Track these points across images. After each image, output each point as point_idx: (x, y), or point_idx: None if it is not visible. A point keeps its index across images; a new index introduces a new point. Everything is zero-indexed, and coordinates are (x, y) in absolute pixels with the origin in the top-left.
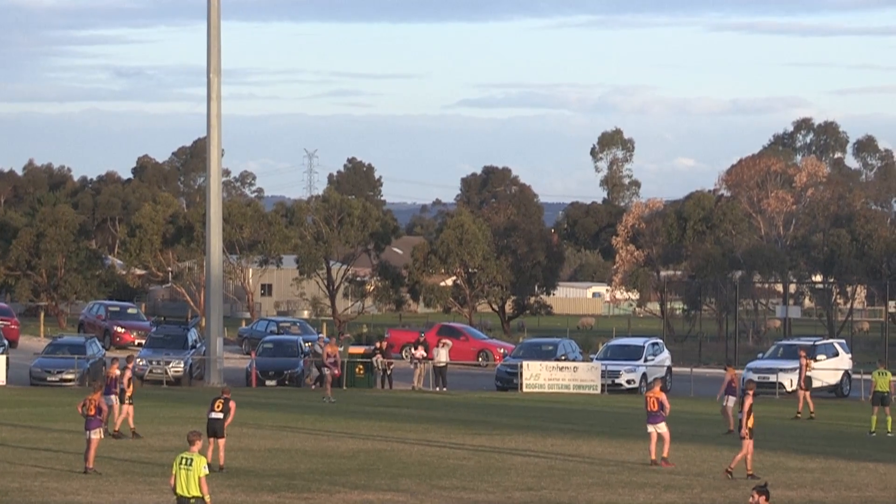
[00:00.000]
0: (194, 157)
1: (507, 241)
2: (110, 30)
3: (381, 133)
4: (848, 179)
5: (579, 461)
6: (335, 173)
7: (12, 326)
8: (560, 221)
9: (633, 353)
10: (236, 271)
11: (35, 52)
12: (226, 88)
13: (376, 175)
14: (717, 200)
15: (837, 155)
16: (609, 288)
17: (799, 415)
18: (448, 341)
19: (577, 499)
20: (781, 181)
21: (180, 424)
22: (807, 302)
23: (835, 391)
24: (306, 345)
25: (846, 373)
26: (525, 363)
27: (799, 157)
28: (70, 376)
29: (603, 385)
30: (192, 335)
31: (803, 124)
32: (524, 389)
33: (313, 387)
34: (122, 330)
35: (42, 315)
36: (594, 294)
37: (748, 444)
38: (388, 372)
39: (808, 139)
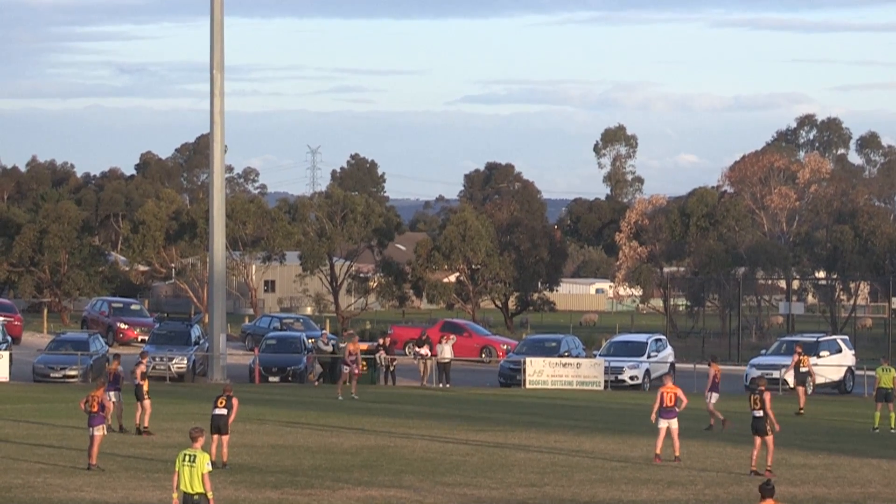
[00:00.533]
0: (197, 153)
1: (510, 238)
2: (113, 26)
3: (384, 129)
4: (851, 176)
5: (582, 457)
6: (338, 169)
7: (15, 323)
8: (563, 218)
9: (636, 350)
10: (239, 268)
11: (38, 49)
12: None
13: (379, 171)
14: (721, 197)
15: (840, 151)
16: (612, 284)
17: (801, 411)
18: (452, 337)
19: (580, 495)
20: (784, 177)
21: (183, 421)
22: (810, 298)
23: (838, 387)
24: (309, 341)
25: (849, 369)
26: (528, 359)
27: (802, 154)
28: (73, 373)
29: (606, 381)
30: (196, 331)
31: (806, 121)
32: (527, 386)
33: (316, 383)
34: (126, 326)
35: (45, 311)
36: (597, 290)
37: (771, 441)
38: (392, 368)
39: (811, 135)
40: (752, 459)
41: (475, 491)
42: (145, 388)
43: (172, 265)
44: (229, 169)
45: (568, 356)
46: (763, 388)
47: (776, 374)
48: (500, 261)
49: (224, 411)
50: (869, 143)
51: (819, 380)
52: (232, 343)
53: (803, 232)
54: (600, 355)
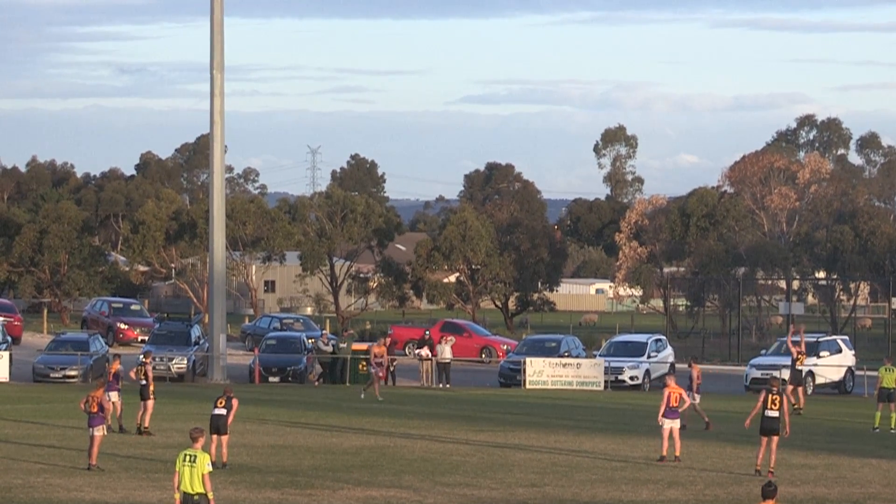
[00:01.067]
0: (197, 153)
1: (510, 238)
2: (113, 26)
3: (384, 129)
4: (851, 176)
5: (583, 457)
6: (338, 170)
7: (15, 323)
8: (563, 218)
9: (636, 350)
10: (239, 268)
11: (38, 49)
12: (229, 85)
13: (379, 171)
14: (721, 197)
15: (840, 151)
16: (612, 284)
17: (801, 410)
18: (451, 338)
19: (580, 495)
20: (784, 178)
21: (183, 421)
22: (810, 298)
23: (838, 388)
24: (309, 341)
25: (849, 369)
26: (528, 360)
27: (802, 154)
28: (73, 373)
29: (606, 382)
30: (195, 331)
31: (806, 121)
32: (527, 386)
33: (316, 383)
34: (126, 326)
35: (45, 312)
36: (597, 291)
37: (776, 442)
38: (392, 368)
39: (811, 136)
40: (758, 459)
41: (475, 491)
42: (151, 388)
43: (172, 265)
44: (229, 169)
45: (568, 356)
46: (777, 388)
47: (775, 375)
48: (500, 261)
49: (223, 411)
50: (869, 143)
51: (819, 380)
52: (232, 343)
53: (803, 232)
54: (600, 355)
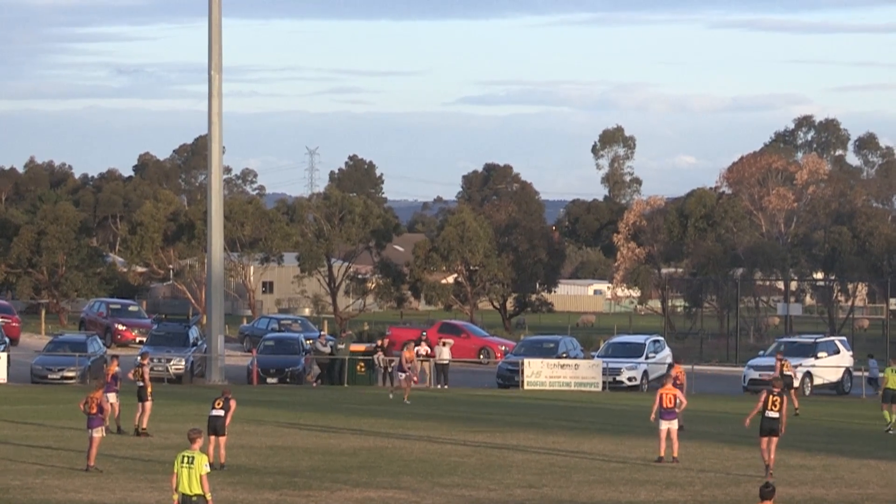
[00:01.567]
0: (195, 154)
1: (508, 239)
2: (111, 27)
3: (382, 130)
4: (849, 177)
5: (581, 458)
6: (336, 171)
7: (13, 324)
8: (561, 219)
9: (634, 351)
10: (237, 269)
11: (36, 50)
12: (227, 86)
13: (377, 172)
14: (719, 198)
15: (838, 152)
16: (610, 285)
17: (797, 412)
18: (449, 339)
19: (578, 496)
20: (783, 178)
21: (181, 422)
22: (808, 299)
23: (836, 388)
24: (307, 342)
25: (847, 370)
26: (526, 361)
27: (800, 155)
28: (71, 374)
29: (604, 382)
30: (193, 332)
31: (804, 122)
32: (525, 387)
33: (314, 384)
34: (123, 327)
35: (43, 313)
36: (595, 292)
37: (776, 442)
38: (390, 369)
39: (809, 136)
40: (765, 459)
41: (473, 492)
42: (149, 389)
43: (170, 266)
44: (227, 170)
45: (566, 357)
46: (779, 388)
47: (777, 375)
48: (499, 262)
49: (221, 412)
50: (867, 144)
51: (817, 381)
52: (230, 344)
53: (801, 233)
54: (598, 356)
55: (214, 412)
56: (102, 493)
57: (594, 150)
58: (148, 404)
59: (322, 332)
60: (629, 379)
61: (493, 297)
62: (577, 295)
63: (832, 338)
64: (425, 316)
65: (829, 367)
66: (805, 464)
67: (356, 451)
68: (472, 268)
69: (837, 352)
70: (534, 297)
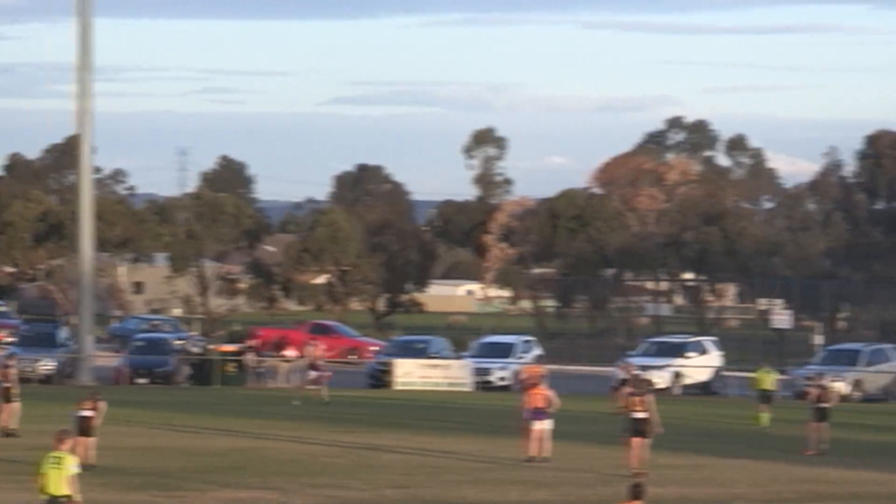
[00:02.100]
0: (66, 154)
1: (379, 239)
2: None
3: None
4: (719, 177)
5: (451, 458)
6: (208, 171)
7: None
8: (432, 219)
9: (504, 351)
10: (108, 269)
11: None
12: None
13: (249, 173)
14: (589, 198)
15: (709, 153)
16: (482, 286)
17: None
18: (317, 342)
19: (448, 496)
20: (653, 179)
21: (51, 423)
22: (678, 299)
23: (704, 389)
24: (177, 343)
25: (716, 370)
26: (398, 361)
27: (670, 155)
28: None
29: (475, 383)
30: (62, 333)
31: (675, 122)
32: (396, 387)
33: (184, 385)
34: None
35: None
36: (467, 292)
37: (647, 443)
38: (260, 370)
39: (679, 137)
40: (634, 460)
41: (344, 493)
42: (13, 390)
43: (40, 266)
44: (98, 170)
45: (437, 357)
46: (643, 389)
47: (644, 375)
48: (370, 262)
49: (90, 413)
50: (737, 145)
51: (686, 381)
52: (100, 345)
53: (672, 233)
54: (468, 357)
55: (83, 413)
56: None
57: (466, 150)
58: (15, 405)
59: (192, 333)
60: (500, 379)
61: (365, 298)
62: (449, 295)
63: (700, 338)
64: (296, 316)
65: (699, 367)
66: (673, 463)
67: (226, 451)
68: (343, 268)
69: (706, 352)
70: (405, 297)
